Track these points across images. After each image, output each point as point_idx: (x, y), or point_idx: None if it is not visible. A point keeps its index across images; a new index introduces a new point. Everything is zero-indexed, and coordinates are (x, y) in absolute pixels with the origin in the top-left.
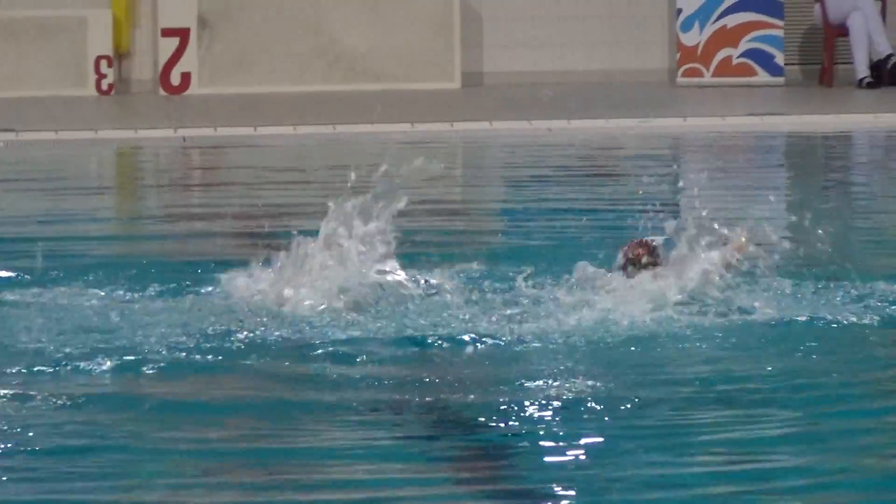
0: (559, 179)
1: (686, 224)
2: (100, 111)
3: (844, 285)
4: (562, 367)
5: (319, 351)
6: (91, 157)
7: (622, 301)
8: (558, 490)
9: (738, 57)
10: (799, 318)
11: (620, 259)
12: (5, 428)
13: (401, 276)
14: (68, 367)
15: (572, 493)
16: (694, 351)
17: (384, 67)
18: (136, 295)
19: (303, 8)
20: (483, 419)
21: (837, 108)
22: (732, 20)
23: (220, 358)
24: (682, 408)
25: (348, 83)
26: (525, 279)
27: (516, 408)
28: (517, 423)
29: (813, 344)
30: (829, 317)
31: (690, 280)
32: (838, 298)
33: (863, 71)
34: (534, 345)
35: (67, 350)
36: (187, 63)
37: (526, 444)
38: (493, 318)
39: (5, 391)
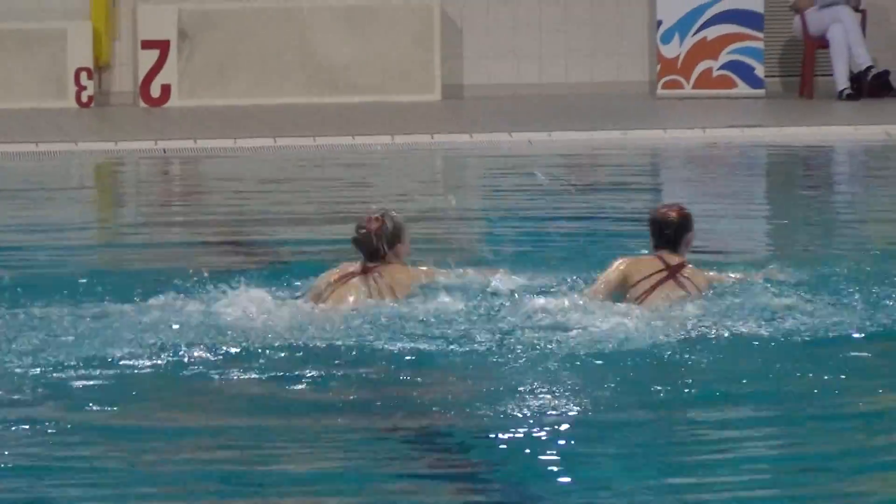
0: (539, 191)
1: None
2: (80, 123)
3: (829, 295)
4: (554, 383)
5: (306, 366)
6: (71, 169)
7: (616, 318)
8: None
9: (718, 69)
10: (791, 334)
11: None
12: None
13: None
14: (39, 381)
15: None
16: (689, 367)
17: (364, 79)
18: (113, 306)
19: (283, 20)
20: (470, 437)
21: (818, 119)
22: (712, 32)
23: (200, 372)
24: (676, 423)
25: (329, 95)
26: (513, 291)
27: (504, 425)
28: (504, 441)
29: (806, 358)
30: (816, 329)
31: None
32: (824, 310)
33: (843, 83)
34: (523, 359)
35: (40, 362)
36: (167, 75)
37: (513, 460)
38: (482, 332)
39: None
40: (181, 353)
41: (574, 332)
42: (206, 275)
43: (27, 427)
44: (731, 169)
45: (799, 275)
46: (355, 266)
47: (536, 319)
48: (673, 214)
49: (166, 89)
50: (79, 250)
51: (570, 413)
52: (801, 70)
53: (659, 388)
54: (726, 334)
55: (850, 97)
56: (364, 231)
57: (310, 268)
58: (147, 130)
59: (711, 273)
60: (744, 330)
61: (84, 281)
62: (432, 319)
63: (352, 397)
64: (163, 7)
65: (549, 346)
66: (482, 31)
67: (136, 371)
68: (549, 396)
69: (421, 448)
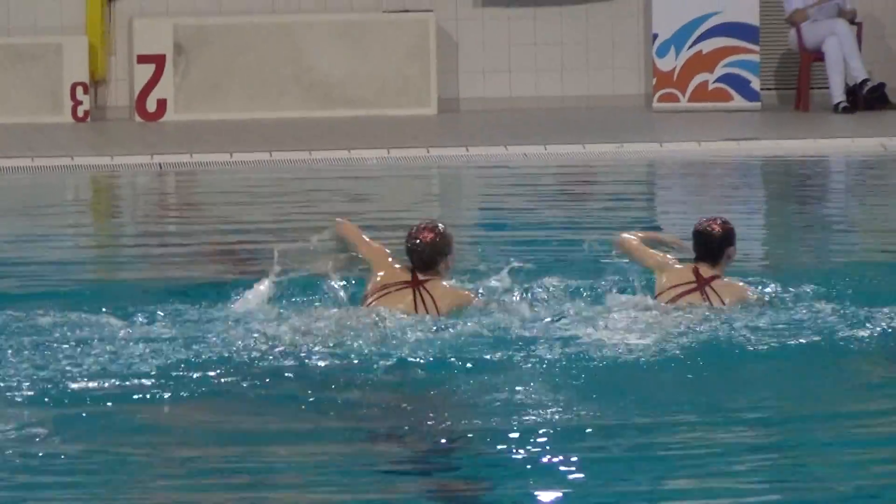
0: (537, 204)
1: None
2: (76, 138)
3: (825, 306)
4: (552, 393)
5: (305, 376)
6: (67, 184)
7: (614, 328)
8: None
9: (714, 82)
10: (788, 342)
11: None
12: None
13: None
14: (39, 392)
15: None
16: (685, 377)
17: (360, 93)
18: (112, 319)
19: (279, 35)
20: (469, 446)
21: (814, 132)
22: (708, 45)
23: (200, 383)
24: (674, 432)
25: (324, 109)
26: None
27: (504, 436)
28: (504, 452)
29: (801, 367)
30: (815, 339)
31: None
32: (821, 321)
33: (839, 96)
34: (524, 369)
35: (39, 373)
36: (163, 90)
37: (511, 473)
38: (483, 344)
39: None
40: (177, 363)
41: (583, 346)
42: (198, 286)
43: (23, 435)
44: (727, 182)
45: (798, 286)
46: (405, 274)
47: (550, 335)
48: (716, 228)
49: (162, 104)
50: (75, 264)
51: (578, 431)
52: (797, 83)
53: (653, 398)
54: (735, 347)
55: (845, 110)
56: (419, 242)
57: (301, 280)
58: (143, 145)
59: (743, 286)
60: (752, 343)
61: (80, 293)
62: (465, 338)
63: (364, 410)
64: (159, 22)
65: (561, 361)
66: (478, 46)
67: (127, 385)
68: (553, 413)
69: (422, 467)
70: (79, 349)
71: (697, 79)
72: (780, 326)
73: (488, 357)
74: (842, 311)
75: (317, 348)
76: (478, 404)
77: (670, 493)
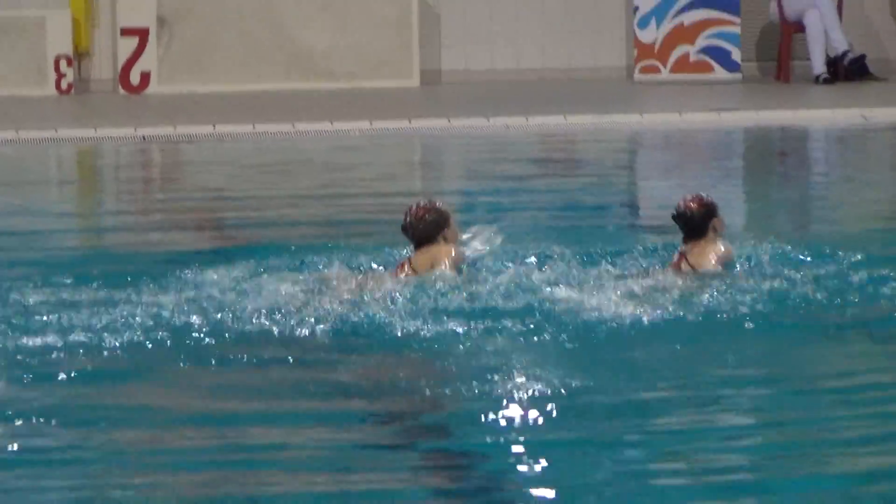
0: (520, 175)
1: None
2: (60, 110)
3: (803, 273)
4: (538, 366)
5: (295, 349)
6: (51, 156)
7: (606, 299)
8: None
9: (695, 53)
10: (764, 310)
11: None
12: None
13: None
14: (24, 366)
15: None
16: (669, 351)
17: (343, 66)
18: (96, 287)
19: (261, 7)
20: (455, 420)
21: (795, 103)
22: (689, 17)
23: (183, 357)
24: (659, 410)
25: (307, 81)
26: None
27: (491, 410)
28: (491, 426)
29: (784, 341)
30: (793, 307)
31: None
32: (800, 288)
33: (819, 67)
34: (510, 340)
35: (25, 344)
36: (146, 62)
37: (496, 444)
38: (471, 314)
39: None
40: (159, 335)
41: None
42: (182, 254)
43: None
44: (708, 152)
45: (778, 254)
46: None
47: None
48: (693, 206)
49: (146, 76)
50: (59, 234)
51: (552, 395)
52: (778, 54)
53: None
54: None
55: (826, 81)
56: (411, 221)
57: (285, 247)
58: (127, 117)
59: (721, 250)
60: (726, 310)
61: (64, 263)
62: (432, 295)
63: (331, 376)
64: None
65: (537, 324)
66: (460, 18)
67: (126, 352)
68: (527, 379)
69: (400, 433)
70: (64, 317)
71: (679, 50)
72: (758, 295)
73: (467, 324)
74: (820, 279)
75: (301, 315)
76: (459, 372)
77: (655, 458)
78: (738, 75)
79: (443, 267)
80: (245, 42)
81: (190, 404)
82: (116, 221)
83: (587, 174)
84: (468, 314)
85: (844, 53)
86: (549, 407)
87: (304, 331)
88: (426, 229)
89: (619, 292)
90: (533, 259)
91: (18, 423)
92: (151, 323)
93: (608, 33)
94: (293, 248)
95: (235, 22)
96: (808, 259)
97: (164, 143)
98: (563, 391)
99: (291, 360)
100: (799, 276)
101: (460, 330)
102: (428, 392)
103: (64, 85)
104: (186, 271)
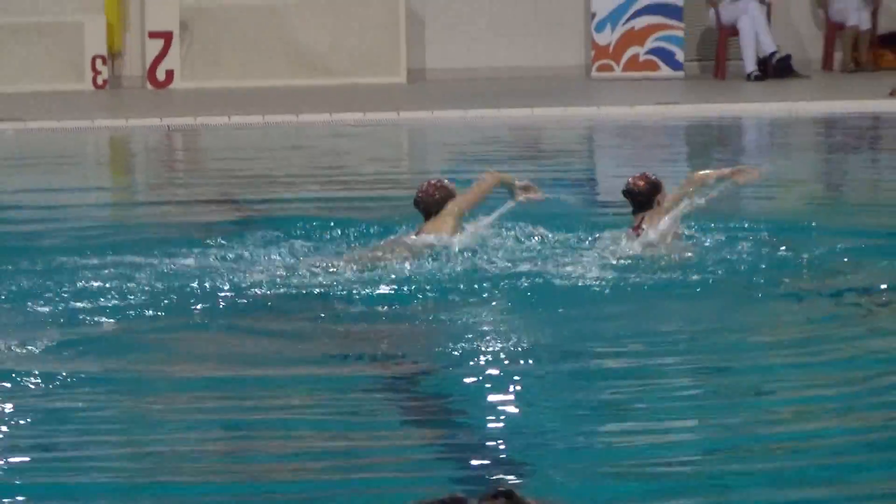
0: (491, 159)
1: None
2: (95, 103)
3: (737, 249)
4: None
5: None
6: (88, 143)
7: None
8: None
9: (644, 54)
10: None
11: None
12: None
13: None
14: (63, 329)
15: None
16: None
17: (340, 64)
18: (129, 257)
19: (270, 13)
20: (439, 372)
21: (730, 98)
22: (639, 22)
23: (199, 320)
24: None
25: (309, 78)
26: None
27: (473, 369)
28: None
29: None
30: (727, 277)
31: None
32: (734, 261)
33: (751, 66)
34: (492, 303)
35: (60, 312)
36: (171, 61)
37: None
38: (457, 282)
39: None
40: (170, 301)
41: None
42: (204, 228)
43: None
44: (655, 139)
45: (713, 231)
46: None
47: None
48: (640, 184)
49: (170, 74)
50: (96, 208)
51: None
52: (716, 55)
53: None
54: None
55: (757, 78)
56: (421, 195)
57: (293, 219)
58: (154, 109)
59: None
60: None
61: (101, 235)
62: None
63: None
64: (167, 2)
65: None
66: (442, 22)
67: (151, 313)
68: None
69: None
70: (98, 281)
71: (630, 51)
72: (701, 259)
73: (459, 290)
74: (753, 253)
75: (315, 281)
76: (447, 333)
77: (622, 416)
78: (681, 73)
79: (447, 228)
80: (255, 44)
81: (201, 368)
82: (145, 198)
83: (550, 158)
84: (463, 281)
85: (773, 54)
86: (526, 369)
87: (312, 295)
88: (434, 202)
89: (585, 258)
90: (511, 232)
91: (46, 384)
92: (171, 292)
93: (569, 36)
94: (300, 220)
95: (247, 26)
96: (743, 229)
97: (186, 132)
98: (544, 355)
99: (300, 326)
100: (734, 243)
101: (457, 297)
102: (413, 348)
103: (99, 81)
104: (205, 241)
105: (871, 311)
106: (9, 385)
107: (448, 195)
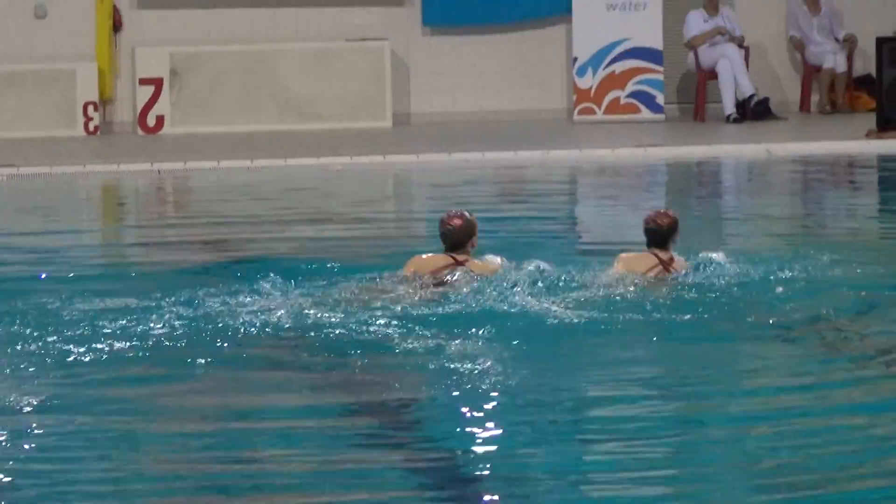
0: (475, 201)
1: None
2: (87, 149)
3: (720, 286)
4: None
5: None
6: (80, 188)
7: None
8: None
9: (625, 97)
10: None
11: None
12: None
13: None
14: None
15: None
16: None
17: (327, 109)
18: (118, 301)
19: (259, 60)
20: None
21: (709, 140)
22: (620, 67)
23: (192, 359)
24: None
25: (297, 123)
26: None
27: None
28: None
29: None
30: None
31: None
32: (715, 299)
33: (729, 108)
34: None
35: (58, 350)
36: (161, 107)
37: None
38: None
39: None
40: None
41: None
42: (190, 271)
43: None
44: (636, 181)
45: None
46: (444, 257)
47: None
48: (666, 221)
49: (160, 119)
50: (87, 253)
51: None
52: (695, 98)
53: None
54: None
55: (736, 121)
56: (451, 227)
57: (281, 260)
58: (144, 154)
59: (683, 260)
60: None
61: (90, 277)
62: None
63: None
64: (157, 50)
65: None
66: (426, 69)
67: (144, 355)
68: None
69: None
70: (89, 324)
71: (611, 95)
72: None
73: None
74: (736, 291)
75: (332, 319)
76: (444, 375)
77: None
78: (661, 116)
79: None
80: (244, 90)
81: (195, 401)
82: (136, 241)
83: (533, 200)
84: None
85: (751, 96)
86: (513, 401)
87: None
88: (462, 235)
89: (581, 297)
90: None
91: (32, 428)
92: (164, 330)
93: (551, 80)
94: (288, 261)
95: (236, 73)
96: (728, 268)
97: (176, 176)
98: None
99: (294, 362)
100: (719, 280)
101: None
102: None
103: (91, 127)
104: (195, 283)
105: (853, 344)
106: None
107: (473, 228)
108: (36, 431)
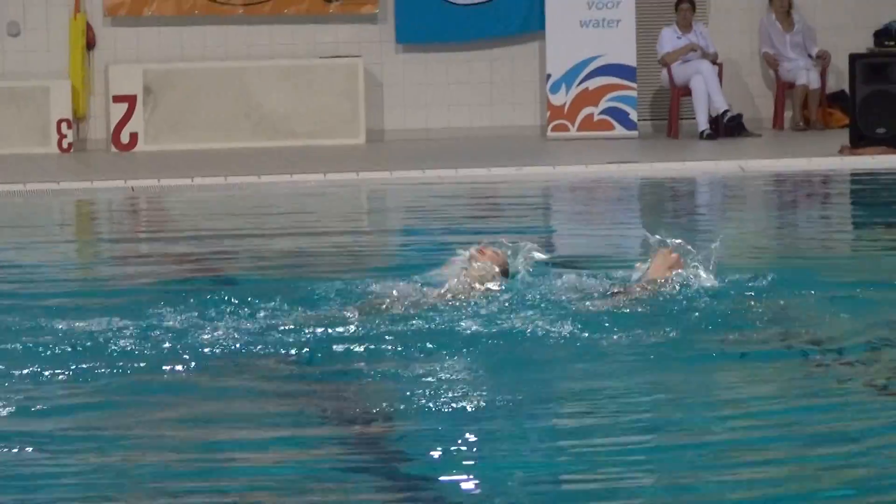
0: (449, 216)
1: None
2: (61, 166)
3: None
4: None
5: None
6: (54, 205)
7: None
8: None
9: (598, 114)
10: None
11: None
12: None
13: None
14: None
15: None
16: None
17: (301, 126)
18: (92, 318)
19: (232, 77)
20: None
21: (683, 156)
22: (593, 83)
23: (166, 376)
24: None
25: (271, 140)
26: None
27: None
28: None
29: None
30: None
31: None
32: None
33: (703, 124)
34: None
35: (36, 366)
36: (135, 124)
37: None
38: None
39: None
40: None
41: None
42: (167, 288)
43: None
44: (610, 198)
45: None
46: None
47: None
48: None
49: (134, 136)
50: (61, 270)
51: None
52: (669, 114)
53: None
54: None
55: (709, 137)
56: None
57: (255, 278)
58: (118, 171)
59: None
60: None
61: (65, 293)
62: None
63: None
64: (130, 67)
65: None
66: (399, 86)
67: (118, 373)
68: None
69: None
70: (62, 341)
71: (584, 111)
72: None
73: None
74: (710, 306)
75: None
76: (412, 388)
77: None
78: (634, 133)
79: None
80: (218, 107)
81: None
82: (109, 258)
83: (507, 216)
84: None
85: (724, 113)
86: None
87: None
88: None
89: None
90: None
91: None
92: (136, 346)
93: (525, 97)
94: (262, 278)
95: (209, 90)
96: (702, 283)
97: (150, 193)
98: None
99: (267, 381)
100: (695, 295)
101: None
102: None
103: (65, 144)
104: (169, 299)
105: (826, 366)
106: None
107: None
108: None
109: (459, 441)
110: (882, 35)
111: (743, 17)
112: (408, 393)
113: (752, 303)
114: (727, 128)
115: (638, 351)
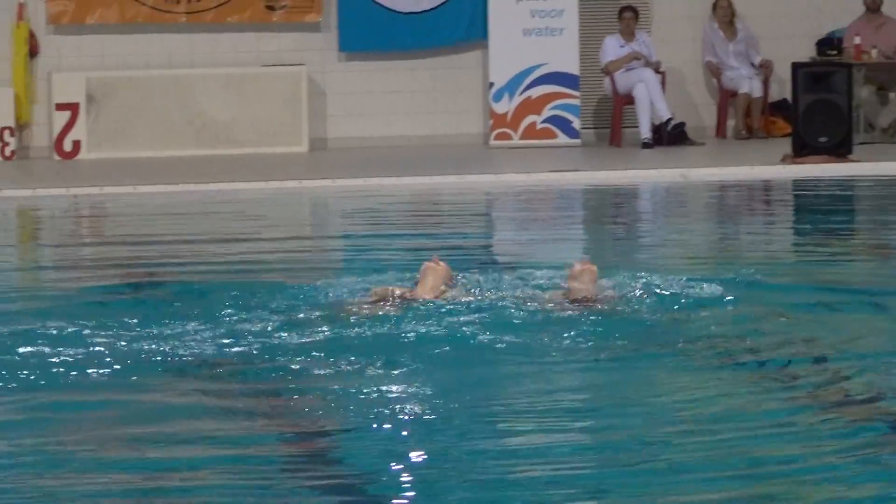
0: (392, 224)
1: None
2: (3, 174)
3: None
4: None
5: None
6: None
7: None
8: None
9: (541, 122)
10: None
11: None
12: None
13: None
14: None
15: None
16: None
17: (244, 134)
18: (35, 325)
19: (175, 86)
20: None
21: (625, 164)
22: (536, 92)
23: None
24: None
25: (213, 148)
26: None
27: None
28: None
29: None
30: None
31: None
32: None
33: (646, 133)
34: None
35: None
36: (78, 132)
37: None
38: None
39: None
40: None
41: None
42: (105, 294)
43: None
44: (552, 206)
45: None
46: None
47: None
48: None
49: (77, 144)
50: (2, 276)
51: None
52: (611, 123)
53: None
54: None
55: (652, 145)
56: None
57: (194, 284)
58: (61, 179)
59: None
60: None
61: (8, 300)
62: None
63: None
64: (73, 75)
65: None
66: (342, 94)
67: (68, 380)
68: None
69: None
70: (5, 352)
71: (527, 120)
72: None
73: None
74: (653, 315)
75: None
76: (357, 398)
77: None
78: (577, 141)
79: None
80: (160, 115)
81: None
82: (52, 265)
83: (449, 224)
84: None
85: (667, 121)
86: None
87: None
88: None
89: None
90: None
91: None
92: (80, 355)
93: (468, 105)
94: (201, 284)
95: (152, 98)
96: (645, 287)
97: (93, 201)
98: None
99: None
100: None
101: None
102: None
103: (7, 152)
104: (111, 305)
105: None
106: None
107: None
108: None
109: (405, 453)
110: (824, 44)
111: (686, 26)
112: (352, 406)
113: (698, 312)
114: (670, 136)
115: (588, 359)
